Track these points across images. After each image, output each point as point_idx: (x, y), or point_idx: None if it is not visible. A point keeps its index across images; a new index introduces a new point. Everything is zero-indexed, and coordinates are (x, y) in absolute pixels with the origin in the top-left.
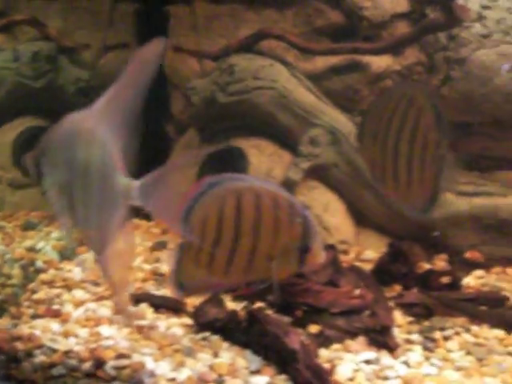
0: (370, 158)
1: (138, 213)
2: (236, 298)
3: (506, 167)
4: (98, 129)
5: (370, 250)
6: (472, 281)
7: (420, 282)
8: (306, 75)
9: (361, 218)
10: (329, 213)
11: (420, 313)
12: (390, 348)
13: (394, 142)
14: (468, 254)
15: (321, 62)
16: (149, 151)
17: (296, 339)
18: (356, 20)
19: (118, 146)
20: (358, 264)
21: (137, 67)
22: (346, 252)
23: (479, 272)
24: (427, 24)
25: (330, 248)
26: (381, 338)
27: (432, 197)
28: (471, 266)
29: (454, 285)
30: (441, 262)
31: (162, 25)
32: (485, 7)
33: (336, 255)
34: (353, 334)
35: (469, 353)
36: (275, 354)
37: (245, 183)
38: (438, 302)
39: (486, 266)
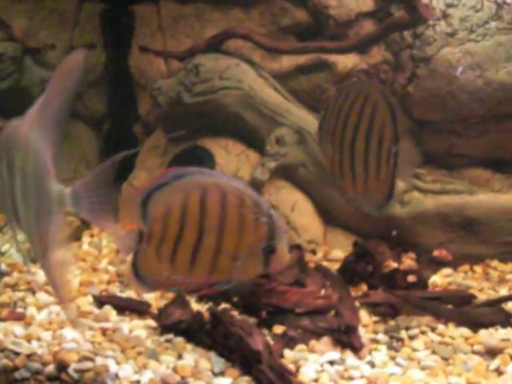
0: (329, 155)
1: None
2: (201, 299)
3: (473, 165)
4: (31, 136)
5: (338, 250)
6: (439, 279)
7: (386, 281)
8: (272, 75)
9: (329, 217)
10: (296, 212)
11: (385, 312)
12: (355, 348)
13: (350, 140)
14: (436, 253)
15: (287, 62)
16: (116, 153)
17: (260, 340)
18: (322, 19)
19: (50, 152)
20: (325, 263)
21: (61, 77)
22: (313, 252)
23: (447, 270)
24: (392, 23)
25: (295, 248)
26: (346, 338)
27: (388, 193)
28: (439, 264)
29: (420, 283)
30: (409, 261)
31: (128, 25)
32: (449, 5)
33: (302, 255)
34: (318, 335)
35: (434, 352)
36: (239, 356)
37: (210, 178)
38: (404, 301)
39: (453, 264)
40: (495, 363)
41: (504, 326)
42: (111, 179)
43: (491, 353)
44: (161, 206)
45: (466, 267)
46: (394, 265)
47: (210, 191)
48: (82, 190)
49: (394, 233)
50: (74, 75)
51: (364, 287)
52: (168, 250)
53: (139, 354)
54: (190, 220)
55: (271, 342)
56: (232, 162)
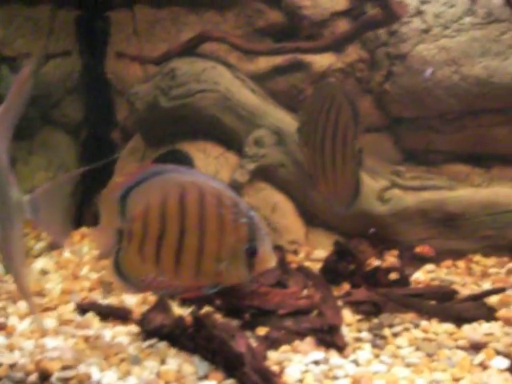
0: (305, 155)
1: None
2: (184, 303)
3: (452, 160)
4: None
5: (321, 250)
6: (422, 275)
7: (368, 279)
8: (249, 76)
9: (311, 217)
10: (277, 214)
11: (368, 310)
12: (339, 347)
13: (320, 141)
14: (418, 249)
15: (264, 63)
16: (94, 159)
17: (242, 343)
18: (296, 19)
19: (7, 160)
20: (308, 264)
21: (15, 90)
22: (295, 252)
23: (430, 266)
24: (366, 21)
25: (277, 249)
26: (329, 338)
27: (354, 191)
28: (421, 260)
29: (402, 281)
30: (391, 258)
31: (103, 31)
32: (423, 2)
33: (283, 256)
34: (301, 335)
35: (418, 348)
36: (222, 359)
37: (188, 177)
38: (386, 299)
39: (436, 260)
40: (479, 358)
41: (487, 320)
42: (70, 192)
43: (475, 347)
44: (140, 204)
45: (449, 263)
46: (377, 263)
47: (189, 190)
48: (39, 198)
49: (372, 230)
50: (25, 88)
51: (345, 286)
52: (150, 250)
53: (122, 360)
54: (170, 219)
55: (254, 344)
56: (211, 164)
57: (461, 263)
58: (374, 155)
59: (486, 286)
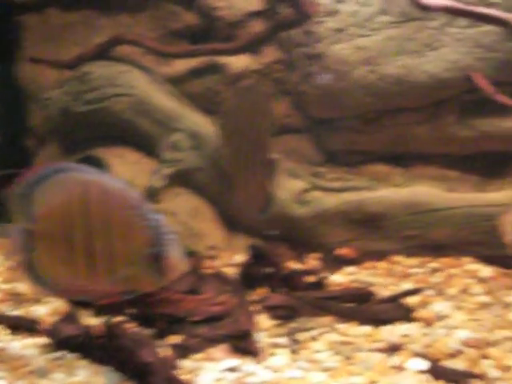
0: (225, 157)
1: None
2: (100, 312)
3: (373, 160)
4: None
5: (242, 254)
6: (342, 277)
7: (285, 283)
8: (166, 79)
9: (231, 221)
10: (196, 219)
11: (285, 315)
12: (252, 353)
13: (238, 143)
14: (340, 251)
15: (180, 66)
16: (7, 167)
17: (150, 352)
18: (211, 21)
19: None
20: (228, 269)
21: None
22: (214, 257)
23: (351, 268)
24: (279, 21)
25: (191, 255)
26: (242, 344)
27: (267, 197)
28: (343, 262)
29: (319, 284)
30: (313, 261)
31: (14, 36)
32: (338, 1)
33: (197, 262)
34: (215, 342)
35: (336, 352)
36: (132, 369)
37: (92, 176)
38: (303, 303)
39: (357, 261)
40: (396, 360)
41: (405, 321)
42: None
43: (392, 349)
44: (45, 202)
45: (370, 264)
46: (298, 266)
47: (93, 189)
48: None
49: (274, 232)
50: None
51: (263, 291)
52: (60, 251)
53: (30, 372)
54: (74, 219)
55: (168, 353)
56: (128, 170)
57: (382, 264)
58: (294, 157)
59: (407, 286)
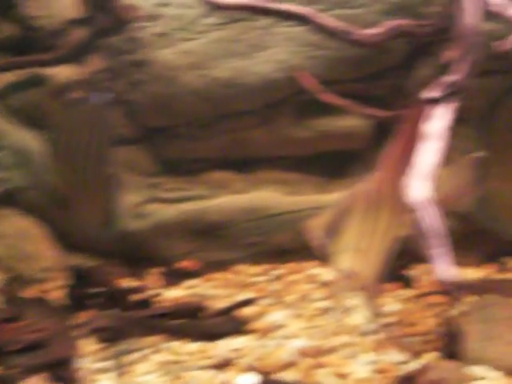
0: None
1: None
2: None
3: (212, 168)
4: None
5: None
6: (182, 292)
7: (113, 303)
8: None
9: (68, 240)
10: (26, 240)
11: (111, 337)
12: (72, 381)
13: (71, 159)
14: (182, 264)
15: (1, 79)
16: None
17: None
18: (32, 30)
19: None
20: (62, 291)
21: None
22: (46, 280)
23: (193, 281)
24: (98, 28)
25: (12, 280)
26: (61, 372)
27: (108, 214)
28: (183, 275)
29: (147, 301)
30: (153, 277)
31: None
32: (160, 5)
33: (14, 288)
34: (34, 372)
35: (165, 372)
36: None
37: None
38: (131, 323)
39: (198, 273)
40: (224, 376)
41: (238, 334)
42: None
43: (222, 365)
44: None
45: (212, 275)
46: (135, 284)
47: None
48: None
49: None
50: None
51: (94, 312)
52: None
53: None
54: None
55: None
56: None
57: (225, 275)
58: (129, 169)
59: (246, 296)
